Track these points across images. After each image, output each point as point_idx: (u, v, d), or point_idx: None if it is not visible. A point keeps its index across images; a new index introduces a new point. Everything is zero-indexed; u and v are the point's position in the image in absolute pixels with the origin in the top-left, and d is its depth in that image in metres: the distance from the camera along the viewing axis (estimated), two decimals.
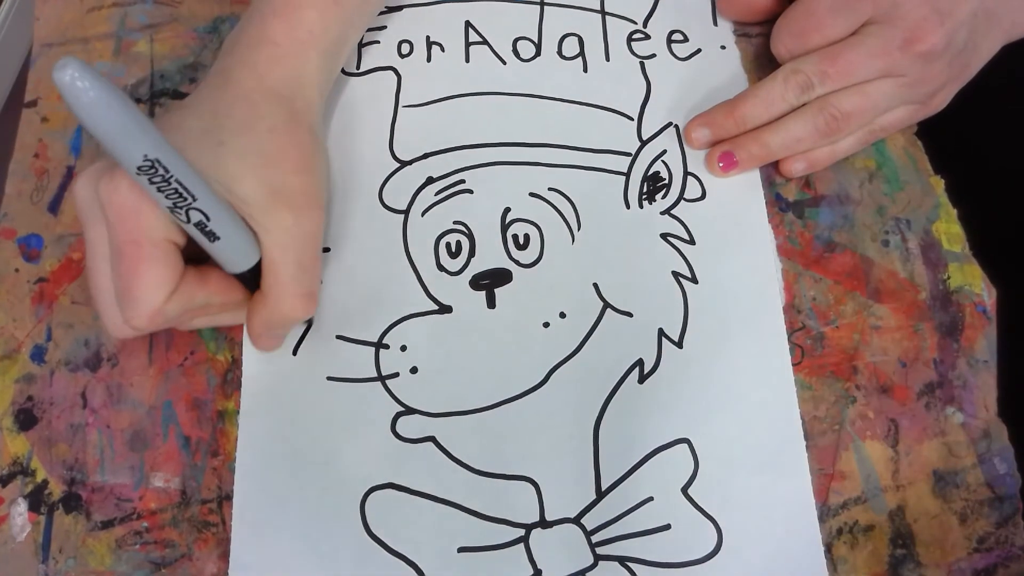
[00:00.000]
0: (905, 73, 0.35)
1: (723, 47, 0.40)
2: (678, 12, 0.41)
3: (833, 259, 0.36)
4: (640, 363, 0.34)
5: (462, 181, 0.37)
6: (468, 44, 0.40)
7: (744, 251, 0.36)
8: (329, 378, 0.34)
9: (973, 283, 0.36)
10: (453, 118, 0.38)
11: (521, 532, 0.31)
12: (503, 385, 0.33)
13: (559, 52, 0.40)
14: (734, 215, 0.37)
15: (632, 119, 0.39)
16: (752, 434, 0.33)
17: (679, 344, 0.34)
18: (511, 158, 0.37)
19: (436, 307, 0.35)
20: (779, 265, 0.36)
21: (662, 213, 0.37)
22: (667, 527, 0.31)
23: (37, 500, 0.32)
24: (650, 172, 0.37)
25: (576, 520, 0.31)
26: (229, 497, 0.32)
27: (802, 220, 0.37)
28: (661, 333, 0.34)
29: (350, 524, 0.31)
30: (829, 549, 0.32)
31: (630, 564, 0.31)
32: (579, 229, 0.36)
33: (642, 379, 0.34)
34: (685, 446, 0.32)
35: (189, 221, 0.26)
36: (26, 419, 0.34)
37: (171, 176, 0.24)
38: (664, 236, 0.36)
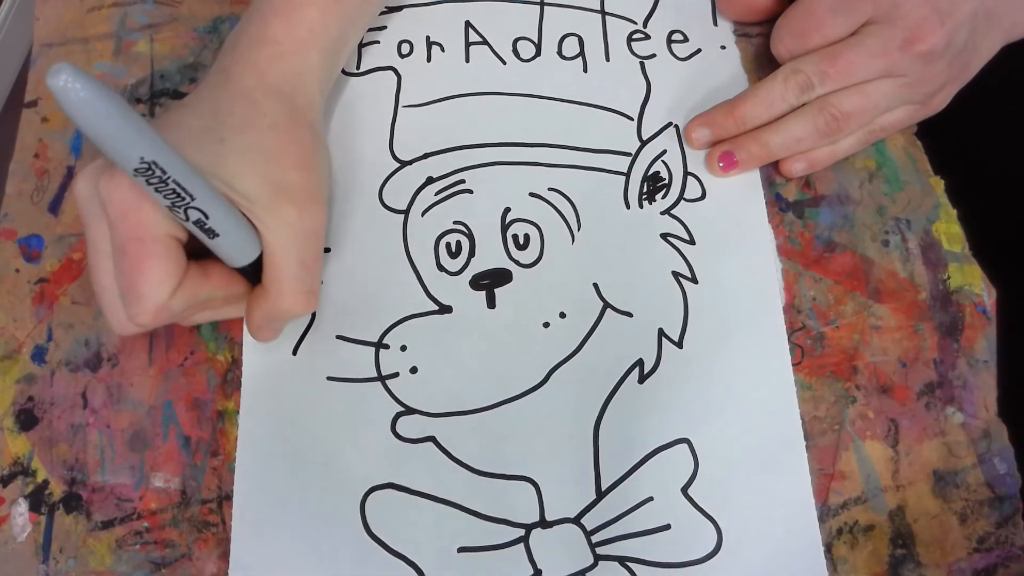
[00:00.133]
0: (905, 73, 0.35)
1: (723, 47, 0.40)
2: (678, 12, 0.41)
3: (833, 259, 0.36)
4: (640, 363, 0.34)
5: (462, 181, 0.37)
6: (468, 44, 0.40)
7: (744, 251, 0.36)
8: (329, 378, 0.34)
9: (973, 283, 0.36)
10: (453, 118, 0.38)
11: (521, 532, 0.31)
12: (503, 385, 0.33)
13: (559, 52, 0.40)
14: (734, 215, 0.37)
15: (632, 119, 0.39)
16: (752, 434, 0.33)
17: (679, 344, 0.34)
18: (511, 158, 0.37)
19: (436, 307, 0.35)
20: (779, 265, 0.36)
21: (662, 213, 0.37)
22: (667, 527, 0.31)
23: (38, 500, 0.32)
24: (650, 172, 0.37)
25: (576, 520, 0.31)
26: (229, 497, 0.32)
27: (802, 220, 0.37)
28: (661, 333, 0.34)
29: (350, 524, 0.31)
30: (829, 549, 0.32)
31: (630, 564, 0.31)
32: (579, 229, 0.36)
33: (642, 379, 0.34)
34: (685, 446, 0.32)
35: (188, 219, 0.26)
36: (27, 419, 0.34)
37: (168, 177, 0.24)
38: (664, 236, 0.36)
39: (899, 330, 0.35)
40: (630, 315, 0.35)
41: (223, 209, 0.27)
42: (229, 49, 0.34)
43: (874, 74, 0.35)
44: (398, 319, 0.35)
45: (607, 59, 0.40)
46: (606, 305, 0.35)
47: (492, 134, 0.38)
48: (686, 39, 0.41)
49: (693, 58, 0.40)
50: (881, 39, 0.34)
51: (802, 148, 0.36)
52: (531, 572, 0.31)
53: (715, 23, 0.41)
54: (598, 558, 0.31)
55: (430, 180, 0.37)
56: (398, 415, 0.33)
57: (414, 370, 0.34)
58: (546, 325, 0.34)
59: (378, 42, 0.40)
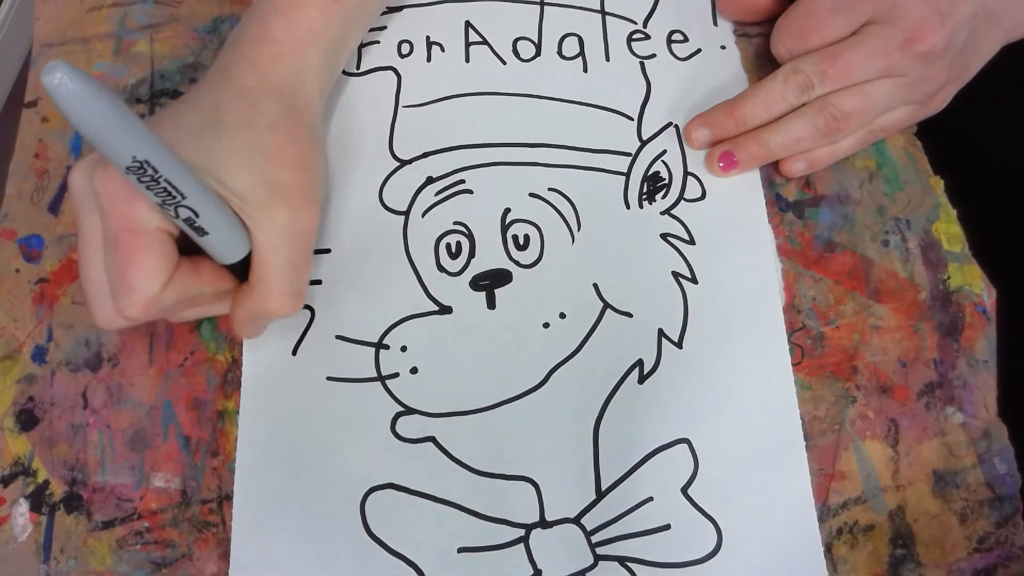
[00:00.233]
0: (905, 73, 0.35)
1: (723, 47, 0.40)
2: (678, 12, 0.41)
3: (833, 259, 0.36)
4: (640, 363, 0.34)
5: (462, 181, 0.37)
6: (468, 44, 0.40)
7: (744, 251, 0.36)
8: (329, 378, 0.34)
9: (973, 283, 0.36)
10: (453, 118, 0.38)
11: (521, 532, 0.31)
12: (503, 385, 0.33)
13: (559, 52, 0.40)
14: (734, 215, 0.37)
15: (632, 119, 0.39)
16: (752, 434, 0.33)
17: (679, 344, 0.34)
18: (511, 158, 0.37)
19: (436, 308, 0.35)
20: (779, 265, 0.36)
21: (662, 213, 0.37)
22: (667, 527, 0.31)
23: (38, 500, 0.32)
24: (650, 172, 0.37)
25: (576, 520, 0.31)
26: (229, 497, 0.32)
27: (802, 220, 0.37)
28: (661, 333, 0.34)
29: (350, 524, 0.31)
30: (829, 549, 0.32)
31: (630, 564, 0.31)
32: (579, 229, 0.36)
33: (642, 379, 0.34)
34: (685, 446, 0.33)
35: (178, 217, 0.26)
36: (27, 419, 0.34)
37: (160, 176, 0.25)
38: (664, 236, 0.36)
39: (899, 330, 0.35)
40: (630, 315, 0.35)
41: (214, 208, 0.27)
42: (229, 48, 0.34)
43: (874, 74, 0.35)
44: (398, 319, 0.35)
45: (607, 59, 0.40)
46: (606, 305, 0.35)
47: (492, 134, 0.38)
48: (686, 39, 0.41)
49: (693, 58, 0.40)
50: (881, 39, 0.34)
51: (802, 148, 0.36)
52: (531, 572, 0.31)
53: (715, 23, 0.41)
54: (598, 558, 0.31)
55: (430, 180, 0.37)
56: (398, 415, 0.33)
57: (414, 370, 0.34)
58: (546, 325, 0.34)
59: (378, 42, 0.40)
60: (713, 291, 0.35)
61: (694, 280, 0.35)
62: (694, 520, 0.31)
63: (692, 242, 0.36)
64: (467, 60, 0.40)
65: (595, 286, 0.35)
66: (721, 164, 0.37)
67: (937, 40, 0.34)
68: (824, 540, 0.32)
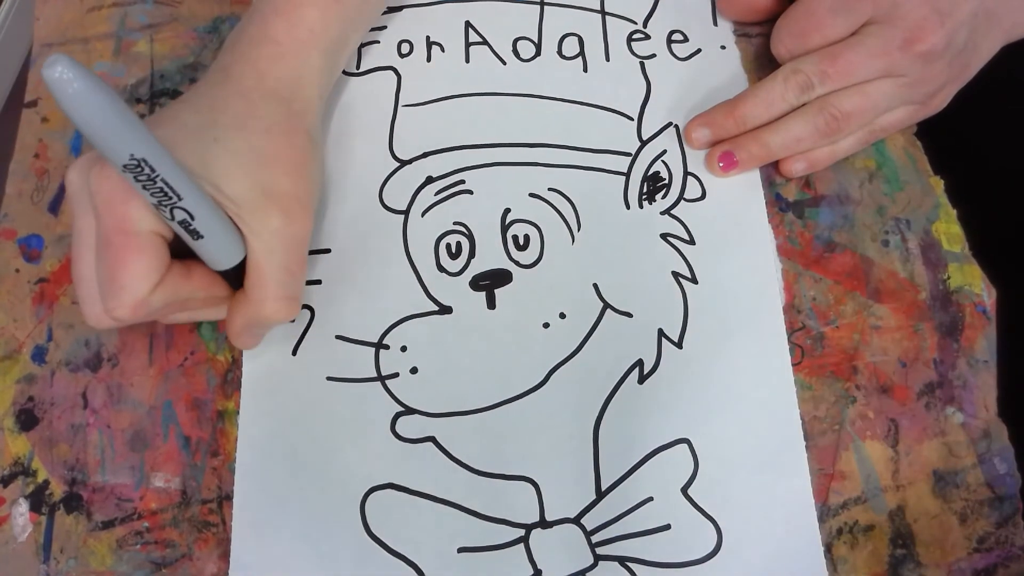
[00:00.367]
0: (905, 73, 0.35)
1: (723, 47, 0.40)
2: (678, 12, 0.41)
3: (833, 259, 0.36)
4: (640, 363, 0.34)
5: (462, 181, 0.37)
6: (468, 44, 0.40)
7: (744, 251, 0.36)
8: (329, 378, 0.34)
9: (973, 283, 0.36)
10: (453, 118, 0.38)
11: (521, 532, 0.31)
12: (503, 385, 0.33)
13: (559, 52, 0.40)
14: (734, 215, 0.37)
15: (632, 119, 0.39)
16: (752, 434, 0.33)
17: (679, 344, 0.34)
18: (511, 158, 0.37)
19: (436, 308, 0.35)
20: (779, 265, 0.36)
21: (662, 213, 0.37)
22: (667, 527, 0.31)
23: (38, 500, 0.32)
24: (650, 172, 0.37)
25: (576, 520, 0.31)
26: (229, 497, 0.32)
27: (802, 220, 0.37)
28: (661, 333, 0.34)
29: (350, 524, 0.31)
30: (829, 549, 0.32)
31: (630, 564, 0.31)
32: (579, 229, 0.36)
33: (642, 379, 0.34)
34: (685, 446, 0.33)
35: (173, 219, 0.26)
36: (27, 419, 0.34)
37: (157, 176, 0.25)
38: (664, 236, 0.36)
39: (899, 330, 0.35)
40: (630, 315, 0.35)
41: (209, 211, 0.27)
42: (229, 48, 0.34)
43: (874, 74, 0.35)
44: (398, 319, 0.35)
45: (607, 59, 0.40)
46: (606, 305, 0.35)
47: (492, 134, 0.38)
48: (686, 39, 0.41)
49: (693, 58, 0.40)
50: (881, 39, 0.34)
51: (802, 148, 0.36)
52: (531, 572, 0.31)
53: (715, 23, 0.41)
54: (598, 558, 0.31)
55: (430, 180, 0.37)
56: (398, 415, 0.33)
57: (414, 370, 0.34)
58: (546, 326, 0.34)
59: (378, 42, 0.40)
60: (713, 291, 0.35)
61: (694, 280, 0.35)
62: (694, 520, 0.31)
63: (692, 242, 0.36)
64: (467, 60, 0.40)
65: (595, 286, 0.35)
66: (721, 164, 0.37)
67: (937, 40, 0.34)
68: (824, 540, 0.32)
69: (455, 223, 0.36)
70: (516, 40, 0.40)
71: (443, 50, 0.40)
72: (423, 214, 0.36)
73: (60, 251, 0.36)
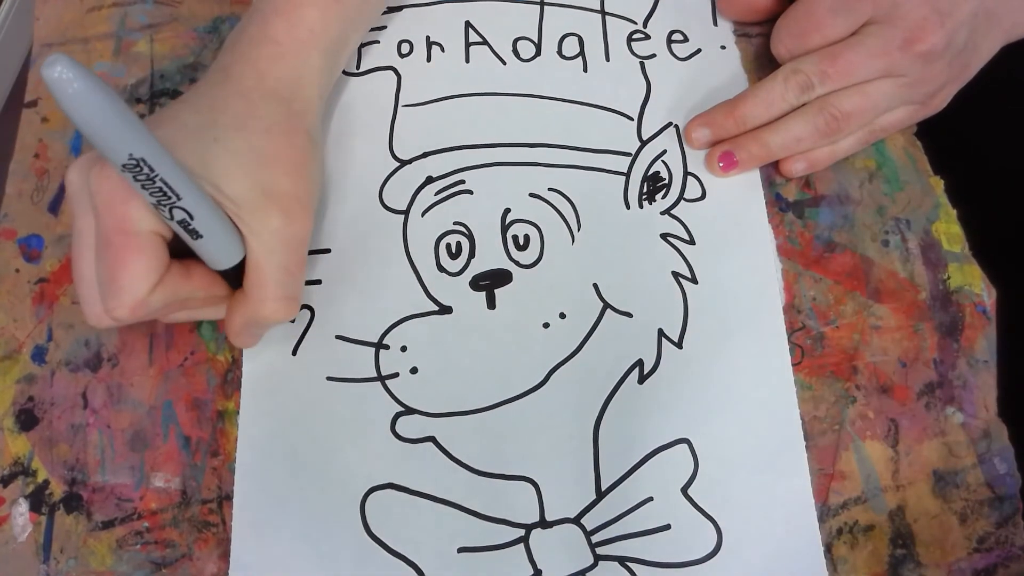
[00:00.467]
0: (905, 73, 0.35)
1: (723, 47, 0.40)
2: (678, 12, 0.41)
3: (833, 259, 0.36)
4: (640, 363, 0.34)
5: (462, 181, 0.37)
6: (468, 44, 0.40)
7: (744, 251, 0.36)
8: (329, 378, 0.34)
9: (973, 283, 0.36)
10: (453, 118, 0.38)
11: (521, 532, 0.31)
12: (503, 385, 0.33)
13: (559, 52, 0.40)
14: (734, 215, 0.37)
15: (632, 119, 0.39)
16: (752, 434, 0.33)
17: (679, 344, 0.34)
18: (511, 158, 0.37)
19: (436, 308, 0.35)
20: (779, 265, 0.36)
21: (662, 213, 0.37)
22: (667, 527, 0.31)
23: (38, 500, 0.32)
24: (650, 172, 0.37)
25: (576, 520, 0.31)
26: (229, 497, 0.32)
27: (802, 220, 0.37)
28: (661, 333, 0.34)
29: (350, 524, 0.31)
30: (829, 549, 0.32)
31: (630, 564, 0.31)
32: (579, 229, 0.36)
33: (642, 379, 0.34)
34: (685, 446, 0.33)
35: (172, 219, 0.26)
36: (27, 419, 0.34)
37: (156, 175, 0.25)
38: (664, 236, 0.36)
39: (899, 330, 0.35)
40: (630, 315, 0.35)
41: (209, 211, 0.27)
42: (229, 48, 0.34)
43: (874, 74, 0.35)
44: (398, 319, 0.35)
45: (607, 59, 0.40)
46: (606, 305, 0.35)
47: (492, 134, 0.38)
48: (686, 39, 0.41)
49: (693, 58, 0.40)
50: (881, 39, 0.34)
51: (802, 148, 0.36)
52: (531, 572, 0.31)
53: (715, 23, 0.41)
54: (598, 558, 0.31)
55: (430, 180, 0.37)
56: (398, 415, 0.33)
57: (414, 370, 0.34)
58: (546, 326, 0.34)
59: (378, 42, 0.40)
60: (713, 291, 0.35)
61: (694, 280, 0.35)
62: (694, 520, 0.31)
63: (692, 242, 0.36)
64: (467, 60, 0.40)
65: (595, 286, 0.35)
66: (721, 164, 0.37)
67: (937, 40, 0.34)
68: (824, 540, 0.32)
69: (455, 223, 0.36)
70: (516, 40, 0.40)
71: (443, 50, 0.40)
72: (423, 214, 0.36)
73: (60, 251, 0.36)
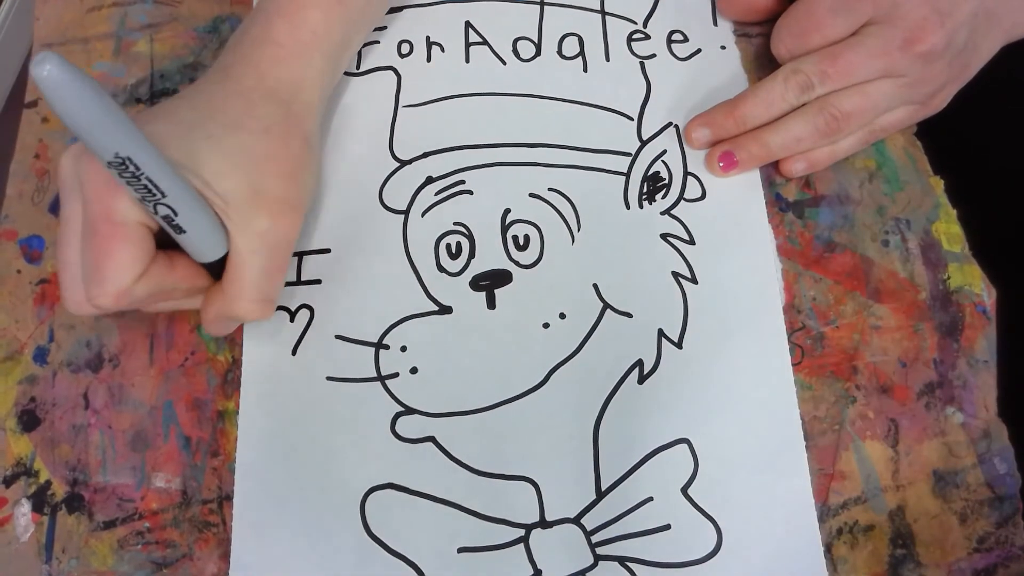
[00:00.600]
0: (905, 73, 0.35)
1: (723, 47, 0.40)
2: (678, 12, 0.41)
3: (833, 259, 0.36)
4: (640, 363, 0.34)
5: (462, 182, 0.37)
6: (468, 44, 0.40)
7: (744, 251, 0.36)
8: (329, 378, 0.34)
9: (973, 283, 0.36)
10: (453, 118, 0.38)
11: (521, 532, 0.31)
12: (503, 385, 0.33)
13: (559, 52, 0.40)
14: (734, 215, 0.37)
15: (632, 119, 0.39)
16: (752, 434, 0.33)
17: (679, 344, 0.34)
18: (511, 158, 0.37)
19: (436, 308, 0.35)
20: (779, 265, 0.36)
21: (662, 213, 0.37)
22: (667, 527, 0.31)
23: (40, 501, 0.32)
24: (650, 172, 0.37)
25: (576, 520, 0.32)
26: (229, 497, 0.32)
27: (802, 220, 0.37)
28: (661, 333, 0.34)
29: (350, 524, 0.32)
30: (829, 549, 0.32)
31: (630, 564, 0.31)
32: (579, 229, 0.36)
33: (642, 379, 0.34)
34: (685, 446, 0.33)
35: (156, 214, 0.27)
36: (29, 420, 0.34)
37: (141, 173, 0.25)
38: (664, 236, 0.36)
39: (899, 330, 0.35)
40: (630, 315, 0.35)
41: (193, 208, 0.27)
42: (231, 48, 0.34)
43: (874, 74, 0.35)
44: (398, 319, 0.35)
45: (607, 59, 0.40)
46: (606, 305, 0.35)
47: (492, 134, 0.38)
48: (686, 39, 0.41)
49: (693, 58, 0.40)
50: (881, 39, 0.34)
51: (802, 148, 0.36)
52: (531, 572, 0.31)
53: (715, 23, 0.41)
54: (598, 558, 0.31)
55: (430, 180, 0.37)
56: (398, 415, 0.33)
57: (414, 370, 0.34)
58: (546, 326, 0.34)
59: (378, 42, 0.40)
60: (713, 291, 0.35)
61: (694, 280, 0.35)
62: (694, 520, 0.31)
63: (692, 242, 0.36)
64: (467, 60, 0.40)
65: (595, 286, 0.35)
66: (721, 164, 0.37)
67: (937, 40, 0.34)
68: (824, 540, 0.32)
69: (455, 223, 0.36)
70: (516, 40, 0.40)
71: (443, 50, 0.40)
72: (423, 214, 0.37)
73: None
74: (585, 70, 0.40)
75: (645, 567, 0.31)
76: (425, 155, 0.38)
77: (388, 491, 0.32)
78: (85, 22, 0.42)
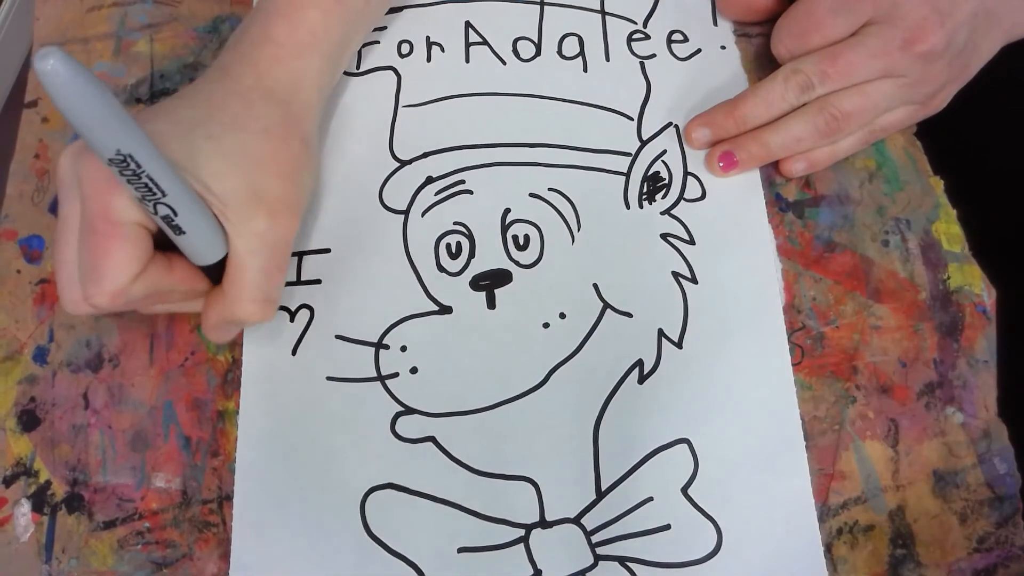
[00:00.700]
0: (905, 73, 0.35)
1: (723, 47, 0.40)
2: (678, 12, 0.41)
3: (833, 259, 0.36)
4: (640, 363, 0.34)
5: (462, 181, 0.37)
6: (468, 44, 0.40)
7: (744, 251, 0.36)
8: (329, 378, 0.34)
9: (973, 283, 0.36)
10: (453, 118, 0.38)
11: (521, 532, 0.31)
12: (503, 385, 0.34)
13: (559, 52, 0.40)
14: (734, 215, 0.37)
15: (632, 119, 0.39)
16: (752, 434, 0.33)
17: (679, 344, 0.34)
18: (511, 158, 0.37)
19: (436, 308, 0.35)
20: (779, 265, 0.36)
21: (662, 213, 0.37)
22: (667, 527, 0.31)
23: (40, 501, 0.32)
24: (650, 172, 0.37)
25: (576, 520, 0.32)
26: (229, 497, 0.32)
27: (802, 220, 0.37)
28: (661, 333, 0.34)
29: (350, 524, 0.32)
30: (829, 549, 0.32)
31: (630, 564, 0.31)
32: (579, 229, 0.36)
33: (642, 379, 0.34)
34: (685, 446, 0.33)
35: (156, 213, 0.27)
36: (29, 420, 0.34)
37: (142, 171, 0.25)
38: (664, 236, 0.36)
39: (899, 330, 0.35)
40: (630, 315, 0.35)
41: (193, 209, 0.27)
42: (230, 48, 0.34)
43: (874, 74, 0.35)
44: (398, 319, 0.35)
45: (607, 59, 0.40)
46: (606, 305, 0.35)
47: (492, 134, 0.38)
48: (686, 39, 0.41)
49: (693, 58, 0.40)
50: (881, 39, 0.34)
51: (802, 148, 0.36)
52: (531, 572, 0.31)
53: (715, 23, 0.41)
54: (598, 558, 0.31)
55: (430, 180, 0.37)
56: (398, 415, 0.33)
57: (414, 370, 0.34)
58: (546, 326, 0.34)
59: (378, 42, 0.40)
60: (713, 291, 0.35)
61: (694, 280, 0.35)
62: (694, 520, 0.31)
63: (692, 242, 0.36)
64: (467, 60, 0.40)
65: (595, 286, 0.35)
66: (721, 164, 0.37)
67: (937, 40, 0.34)
68: (824, 540, 0.32)
69: (455, 223, 0.36)
70: (516, 40, 0.40)
71: (443, 50, 0.40)
72: (423, 214, 0.37)
73: None
74: (585, 70, 0.40)
75: (645, 567, 0.31)
76: (425, 155, 0.38)
77: (388, 491, 0.32)
78: (85, 22, 0.42)
